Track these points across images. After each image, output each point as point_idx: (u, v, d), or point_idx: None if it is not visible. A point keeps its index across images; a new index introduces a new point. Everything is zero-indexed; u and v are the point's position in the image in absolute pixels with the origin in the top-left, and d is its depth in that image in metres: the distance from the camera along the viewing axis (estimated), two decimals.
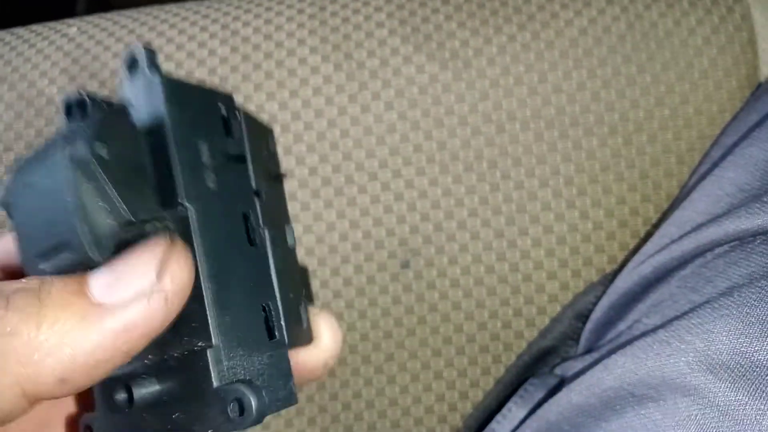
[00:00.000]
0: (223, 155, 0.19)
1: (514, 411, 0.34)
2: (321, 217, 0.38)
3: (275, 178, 0.22)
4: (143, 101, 0.18)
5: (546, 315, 0.38)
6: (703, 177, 0.34)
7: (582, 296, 0.38)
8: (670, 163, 0.37)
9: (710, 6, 0.38)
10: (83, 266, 0.17)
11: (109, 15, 0.45)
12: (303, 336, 0.21)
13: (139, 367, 0.18)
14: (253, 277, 0.19)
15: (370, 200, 0.38)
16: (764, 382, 0.24)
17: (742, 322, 0.25)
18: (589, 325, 0.36)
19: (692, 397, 0.25)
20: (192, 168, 0.18)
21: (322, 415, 0.38)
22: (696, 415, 0.25)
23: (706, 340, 0.26)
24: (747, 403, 0.24)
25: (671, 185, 0.37)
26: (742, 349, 0.25)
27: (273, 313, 0.19)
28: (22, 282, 0.16)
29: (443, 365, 0.38)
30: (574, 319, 0.38)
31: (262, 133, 0.22)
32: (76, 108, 0.18)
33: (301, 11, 0.40)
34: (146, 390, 0.18)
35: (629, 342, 0.30)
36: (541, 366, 0.38)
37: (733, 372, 0.25)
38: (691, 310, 0.28)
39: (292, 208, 0.39)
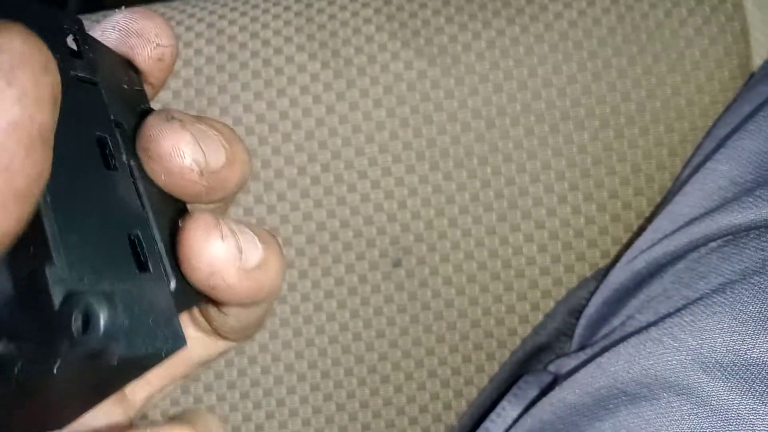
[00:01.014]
0: (67, 74, 0.16)
1: (508, 409, 0.34)
2: (311, 217, 0.38)
3: (144, 113, 0.19)
4: None
5: (539, 311, 0.38)
6: (695, 170, 0.33)
7: (575, 291, 0.38)
8: (663, 156, 0.37)
9: None
10: None
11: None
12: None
13: None
14: (114, 204, 0.16)
15: (360, 199, 0.38)
16: (757, 380, 0.24)
17: (735, 320, 0.25)
18: (583, 321, 0.36)
19: (685, 396, 0.25)
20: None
21: (316, 416, 0.38)
22: (689, 414, 0.25)
23: (699, 339, 0.26)
24: (740, 401, 0.24)
25: (664, 178, 0.37)
26: (735, 347, 0.25)
27: (145, 244, 0.16)
28: None
29: (437, 364, 0.38)
30: (567, 315, 0.37)
31: (122, 67, 0.19)
32: None
33: (287, 8, 0.40)
34: None
35: (622, 339, 0.30)
36: (535, 363, 0.38)
37: (726, 370, 0.25)
38: (684, 307, 0.28)
39: (282, 208, 0.38)
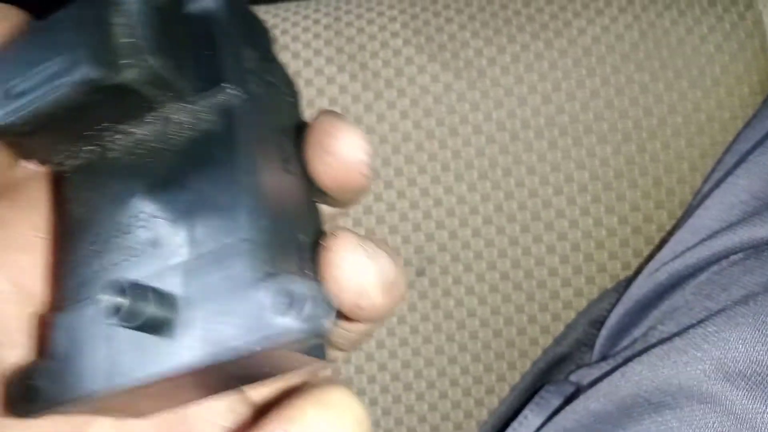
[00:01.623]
0: (262, 75, 0.17)
1: (530, 418, 0.34)
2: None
3: (299, 122, 0.20)
4: None
5: (561, 321, 0.39)
6: (716, 184, 0.34)
7: (596, 303, 0.38)
8: (683, 169, 0.38)
9: (722, 13, 0.38)
10: (64, 91, 0.15)
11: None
12: None
13: (148, 275, 0.15)
14: (287, 199, 0.17)
15: (386, 208, 0.39)
16: None
17: (758, 331, 0.26)
18: (604, 332, 0.36)
19: (709, 405, 0.26)
20: (236, 60, 0.17)
21: None
22: (713, 423, 0.25)
23: (722, 349, 0.26)
24: (764, 411, 0.24)
25: (684, 192, 0.38)
26: (758, 357, 0.25)
27: (307, 248, 0.16)
28: None
29: (459, 372, 0.39)
30: (588, 326, 0.38)
31: (287, 79, 0.20)
32: None
33: (316, 21, 0.41)
34: (157, 304, 0.14)
35: (645, 350, 0.30)
36: (556, 373, 0.38)
37: (749, 380, 0.25)
38: (707, 318, 0.28)
39: None
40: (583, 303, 0.39)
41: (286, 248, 0.16)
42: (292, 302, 0.13)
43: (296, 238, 0.16)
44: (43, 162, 0.18)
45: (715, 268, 0.31)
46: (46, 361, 0.15)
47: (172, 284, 0.15)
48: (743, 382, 0.25)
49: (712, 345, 0.27)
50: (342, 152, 0.17)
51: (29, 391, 0.15)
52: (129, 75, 0.15)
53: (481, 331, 0.39)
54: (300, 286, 0.13)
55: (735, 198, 0.32)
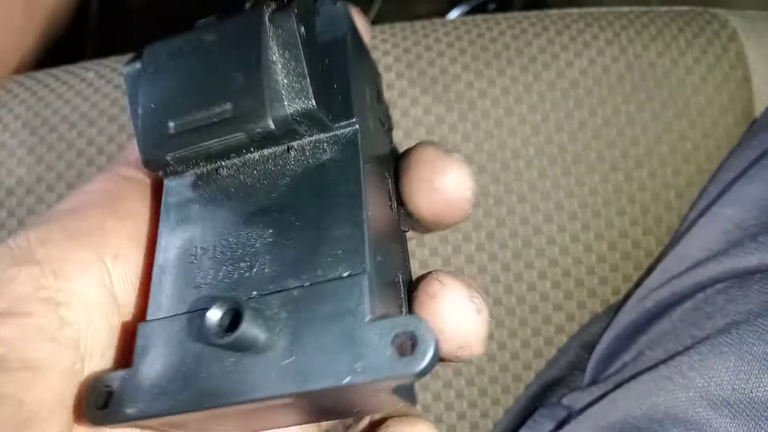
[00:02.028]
0: (375, 112, 0.18)
1: None
2: None
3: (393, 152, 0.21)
4: (324, 27, 0.17)
5: (553, 346, 0.39)
6: (702, 213, 0.35)
7: (587, 327, 0.39)
8: (670, 197, 0.39)
9: (706, 45, 0.40)
10: (237, 138, 0.15)
11: (124, 58, 0.47)
12: None
13: (247, 298, 0.15)
14: (390, 239, 0.17)
15: None
16: (762, 418, 0.25)
17: (741, 360, 0.27)
18: (595, 356, 0.37)
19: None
20: (362, 96, 0.17)
21: None
22: None
23: (707, 377, 0.27)
24: None
25: (671, 219, 0.39)
26: (742, 386, 0.26)
27: (403, 288, 0.16)
28: None
29: (454, 396, 0.39)
30: (580, 350, 0.39)
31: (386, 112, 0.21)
32: None
33: None
34: (257, 326, 0.14)
35: (634, 376, 0.31)
36: (549, 396, 0.39)
37: (733, 408, 0.26)
38: (693, 345, 0.29)
39: None
40: (574, 327, 0.40)
41: (392, 286, 0.16)
42: (406, 343, 0.13)
43: (396, 275, 0.16)
44: (157, 170, 0.17)
45: (700, 295, 0.32)
46: (129, 372, 0.15)
47: (275, 308, 0.14)
48: (727, 410, 0.26)
49: (697, 373, 0.28)
50: (449, 189, 0.17)
51: (108, 400, 0.15)
52: (293, 117, 0.16)
53: None
54: (419, 328, 0.13)
55: (719, 227, 0.33)
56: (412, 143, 0.40)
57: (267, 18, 0.15)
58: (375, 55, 0.42)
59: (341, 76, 0.17)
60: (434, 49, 0.41)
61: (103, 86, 0.45)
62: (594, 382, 0.36)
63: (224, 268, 0.15)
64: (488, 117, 0.40)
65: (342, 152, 0.16)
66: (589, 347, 0.38)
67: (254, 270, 0.15)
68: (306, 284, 0.14)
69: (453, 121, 0.40)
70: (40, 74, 0.48)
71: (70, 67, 0.47)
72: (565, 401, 0.37)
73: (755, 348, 0.26)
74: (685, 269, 0.33)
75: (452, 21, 0.43)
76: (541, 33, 0.41)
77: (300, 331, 0.14)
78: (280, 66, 0.15)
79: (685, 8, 0.43)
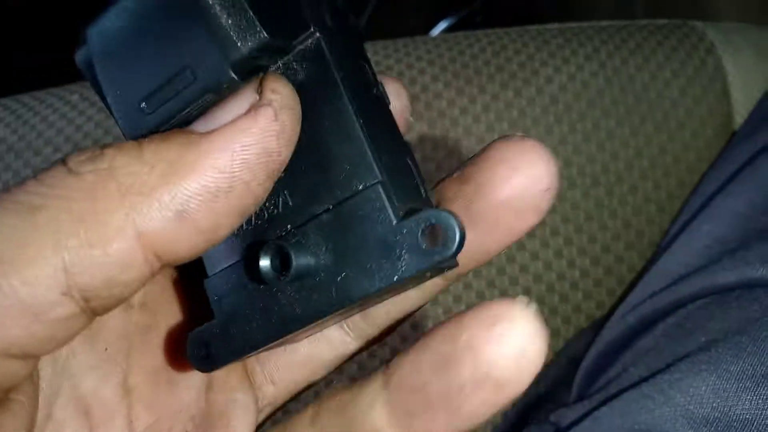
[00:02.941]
0: (372, 92, 0.17)
1: None
2: None
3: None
4: None
5: None
6: (683, 227, 0.35)
7: (573, 342, 0.39)
8: (652, 211, 0.39)
9: (685, 59, 0.40)
10: (209, 99, 0.15)
11: None
12: None
13: (283, 234, 0.16)
14: (387, 127, 0.17)
15: None
16: None
17: (720, 378, 0.27)
18: (581, 372, 0.37)
19: None
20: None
21: None
22: None
23: (687, 395, 0.27)
24: None
25: (653, 233, 0.39)
26: (720, 404, 0.26)
27: (414, 169, 0.17)
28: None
29: None
30: (566, 365, 0.39)
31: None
32: None
33: None
34: (304, 257, 0.16)
35: (618, 393, 0.31)
36: (537, 412, 0.39)
37: (712, 426, 0.26)
38: (674, 363, 0.29)
39: None
40: (560, 343, 0.40)
41: (407, 176, 0.16)
42: (435, 233, 0.15)
43: (406, 161, 0.17)
44: None
45: (682, 311, 0.32)
46: (214, 322, 0.17)
47: (312, 235, 0.16)
48: (707, 428, 0.26)
49: (677, 391, 0.28)
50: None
51: (208, 349, 0.17)
52: (251, 56, 0.15)
53: None
54: (439, 217, 0.15)
55: (699, 242, 0.33)
56: None
57: None
58: None
59: None
60: (416, 67, 0.41)
61: (87, 108, 0.45)
62: (580, 398, 0.36)
63: (257, 214, 0.17)
64: (470, 134, 0.40)
65: (314, 67, 0.16)
66: (575, 363, 0.38)
67: (280, 206, 0.16)
68: (330, 207, 0.16)
69: (436, 138, 0.40)
70: (25, 97, 0.48)
71: (55, 90, 0.48)
72: (552, 418, 0.37)
73: (733, 366, 0.27)
74: (667, 285, 0.33)
75: (433, 38, 0.44)
76: (521, 49, 0.41)
77: (341, 248, 0.16)
78: (218, 8, 0.15)
79: (664, 21, 0.43)
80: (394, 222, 0.15)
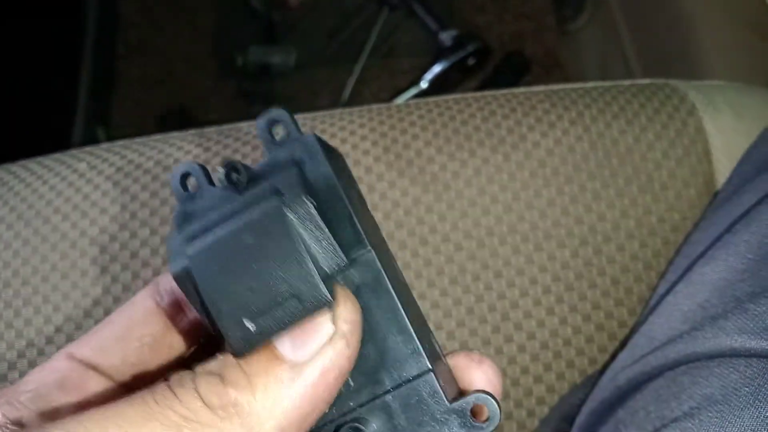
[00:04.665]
0: (361, 203, 0.22)
1: None
2: None
3: None
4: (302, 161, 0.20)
5: (535, 417, 0.41)
6: (669, 289, 0.37)
7: (567, 398, 0.41)
8: (639, 269, 0.40)
9: (667, 120, 0.42)
10: (306, 314, 0.18)
11: (116, 147, 0.49)
12: None
13: (347, 411, 0.20)
14: (418, 311, 0.21)
15: None
16: None
17: None
18: (575, 429, 0.38)
19: None
20: (361, 216, 0.20)
21: None
22: None
23: None
24: None
25: (641, 289, 0.40)
26: None
27: (438, 346, 0.21)
28: (221, 358, 0.19)
29: None
30: (561, 421, 0.40)
31: None
32: (234, 174, 0.19)
33: None
34: (374, 427, 0.19)
35: None
36: None
37: None
38: (661, 427, 0.31)
39: None
40: (555, 398, 0.41)
41: (440, 356, 0.21)
42: (479, 411, 0.19)
43: (429, 332, 0.21)
44: None
45: (669, 374, 0.33)
46: None
47: (377, 413, 0.20)
48: None
49: None
50: None
51: None
52: (335, 277, 0.20)
53: None
54: (486, 399, 0.19)
55: (682, 307, 0.34)
56: (392, 225, 0.42)
57: (285, 210, 0.18)
58: (353, 139, 0.44)
59: (341, 211, 0.20)
60: (409, 133, 0.43)
61: (95, 177, 0.46)
62: None
63: None
64: (462, 197, 0.42)
65: (369, 275, 0.19)
66: (570, 419, 0.40)
67: (343, 387, 0.19)
68: (390, 389, 0.19)
69: (429, 201, 0.42)
70: (32, 164, 0.49)
71: (62, 156, 0.49)
72: None
73: None
74: (653, 349, 0.34)
75: (426, 102, 0.46)
76: (509, 114, 0.43)
77: (401, 422, 0.19)
78: (312, 245, 0.19)
79: (647, 81, 0.45)
80: (448, 404, 0.19)
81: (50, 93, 0.88)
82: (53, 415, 0.20)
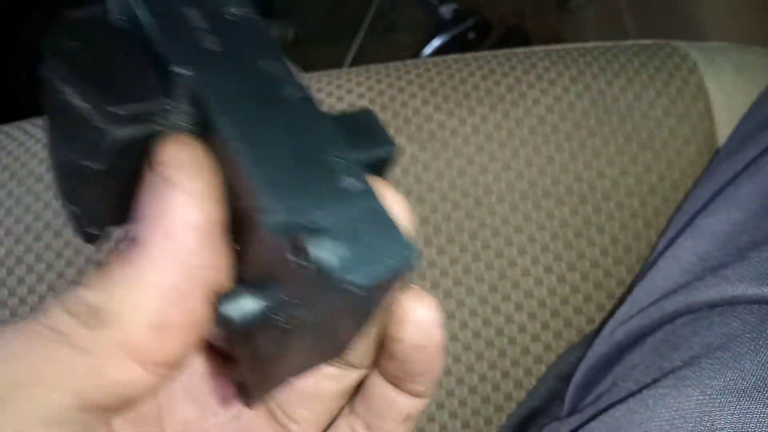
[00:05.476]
0: (222, 17, 0.17)
1: None
2: None
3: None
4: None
5: (532, 376, 0.40)
6: (668, 244, 0.36)
7: (564, 357, 0.40)
8: (638, 227, 0.40)
9: (667, 78, 0.41)
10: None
11: None
12: None
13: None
14: (300, 131, 0.16)
15: None
16: None
17: (703, 393, 0.28)
18: (572, 386, 0.38)
19: None
20: (177, 35, 0.16)
21: None
22: None
23: (672, 410, 0.28)
24: None
25: (641, 248, 0.40)
26: (703, 418, 0.27)
27: (344, 163, 0.16)
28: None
29: (438, 429, 0.40)
30: (558, 380, 0.40)
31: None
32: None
33: None
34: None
35: (607, 407, 0.32)
36: (530, 426, 0.40)
37: None
38: (660, 378, 0.30)
39: None
40: (552, 357, 0.41)
41: (316, 188, 0.16)
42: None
43: (325, 163, 0.16)
44: None
45: (668, 327, 0.33)
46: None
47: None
48: None
49: (662, 406, 0.29)
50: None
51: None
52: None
53: (456, 389, 0.40)
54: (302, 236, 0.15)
55: (683, 260, 0.34)
56: (390, 183, 0.41)
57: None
58: (350, 97, 0.43)
59: (146, 42, 0.16)
60: (407, 91, 0.43)
61: None
62: (572, 411, 0.37)
63: None
64: (460, 155, 0.41)
65: (191, 108, 0.16)
66: (567, 377, 0.39)
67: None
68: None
69: (427, 159, 0.41)
70: (26, 124, 0.49)
71: None
72: (545, 431, 0.38)
73: (715, 382, 0.27)
74: (653, 302, 0.34)
75: (424, 62, 0.45)
76: (509, 72, 0.42)
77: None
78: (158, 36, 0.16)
79: (648, 42, 0.45)
80: (290, 252, 0.14)
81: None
82: None
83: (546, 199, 0.40)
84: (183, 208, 0.15)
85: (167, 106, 0.15)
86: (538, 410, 0.40)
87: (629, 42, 0.45)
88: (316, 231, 0.14)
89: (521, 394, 0.40)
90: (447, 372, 0.40)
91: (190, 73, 0.15)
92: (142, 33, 0.16)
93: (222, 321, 0.15)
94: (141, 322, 0.15)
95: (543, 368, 0.40)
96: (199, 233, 0.15)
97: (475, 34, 0.81)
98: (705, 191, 0.36)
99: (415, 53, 0.84)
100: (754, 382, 0.27)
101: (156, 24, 0.16)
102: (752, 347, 0.28)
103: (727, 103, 0.40)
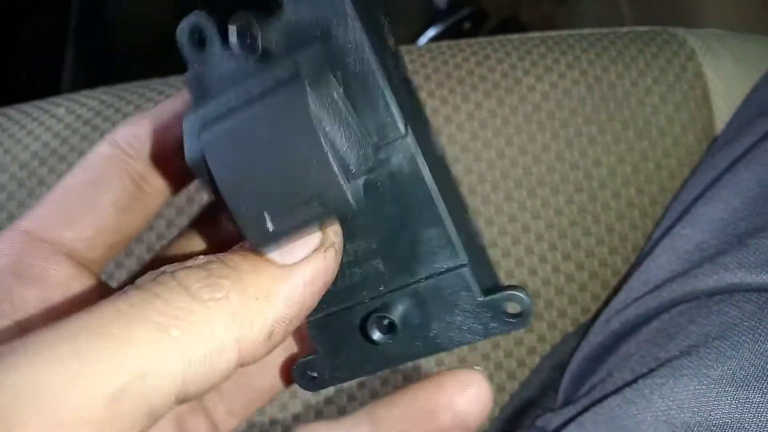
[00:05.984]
0: (399, 72, 0.19)
1: None
2: None
3: None
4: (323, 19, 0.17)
5: (526, 367, 0.40)
6: (665, 233, 0.36)
7: (559, 347, 0.40)
8: (635, 216, 0.39)
9: (665, 66, 0.40)
10: (327, 218, 0.17)
11: (95, 93, 0.47)
12: None
13: (376, 296, 0.19)
14: (460, 201, 0.20)
15: None
16: None
17: (700, 383, 0.27)
18: (566, 377, 0.37)
19: None
20: (396, 89, 0.17)
21: None
22: None
23: (669, 400, 0.28)
24: None
25: (637, 237, 0.39)
26: (701, 408, 0.27)
27: (480, 239, 0.20)
28: (200, 258, 0.17)
29: None
30: (552, 371, 0.39)
31: None
32: (249, 39, 0.17)
33: None
34: (401, 309, 0.19)
35: (602, 398, 0.32)
36: (524, 417, 0.39)
37: (692, 430, 0.26)
38: (656, 367, 0.30)
39: None
40: (546, 348, 0.40)
41: (481, 252, 0.20)
42: (512, 308, 0.18)
43: (476, 236, 0.20)
44: None
45: (664, 316, 0.32)
46: (318, 356, 0.20)
47: (408, 300, 0.19)
48: None
49: (659, 396, 0.28)
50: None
51: (310, 376, 0.21)
52: (361, 182, 0.18)
53: None
54: (520, 297, 0.18)
55: (680, 248, 0.33)
56: None
57: (308, 100, 0.16)
58: None
59: (375, 88, 0.17)
60: None
61: (73, 122, 0.45)
62: (566, 402, 0.37)
63: (348, 272, 0.19)
64: (454, 142, 0.40)
65: (405, 161, 0.18)
66: (561, 368, 0.39)
67: (373, 271, 0.19)
68: (422, 279, 0.19)
69: None
70: (11, 110, 0.48)
71: (40, 103, 0.48)
72: (539, 422, 0.37)
73: (713, 371, 0.27)
74: (649, 290, 0.33)
75: (418, 48, 0.44)
76: (504, 58, 0.41)
77: (431, 311, 0.19)
78: (338, 138, 0.17)
79: (645, 28, 0.44)
80: (480, 298, 0.18)
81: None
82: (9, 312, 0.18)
83: (541, 188, 0.39)
84: (330, 272, 0.18)
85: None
86: (532, 402, 0.40)
87: (626, 28, 0.44)
88: (514, 287, 0.19)
89: (514, 386, 0.40)
90: (439, 363, 0.40)
91: (408, 136, 0.18)
92: (365, 78, 0.18)
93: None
94: (258, 323, 0.17)
95: (537, 359, 0.40)
96: (323, 288, 0.18)
97: (470, 24, 0.80)
98: (703, 179, 0.36)
99: (410, 43, 0.83)
100: (752, 372, 0.26)
101: (382, 74, 0.18)
102: (751, 336, 0.27)
103: (725, 91, 0.39)
